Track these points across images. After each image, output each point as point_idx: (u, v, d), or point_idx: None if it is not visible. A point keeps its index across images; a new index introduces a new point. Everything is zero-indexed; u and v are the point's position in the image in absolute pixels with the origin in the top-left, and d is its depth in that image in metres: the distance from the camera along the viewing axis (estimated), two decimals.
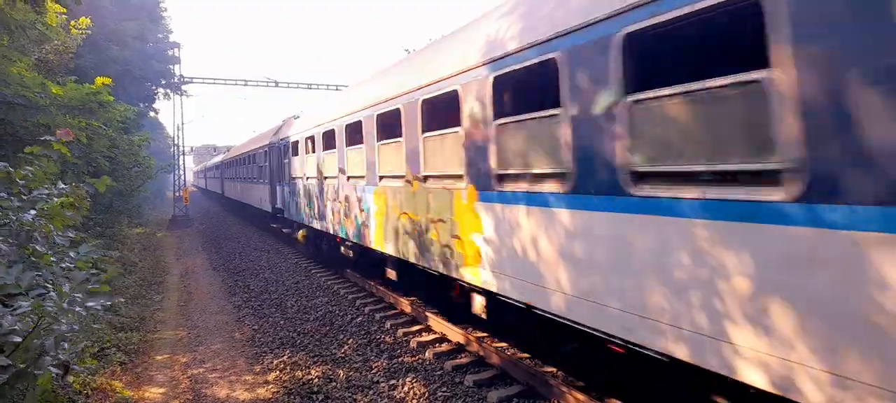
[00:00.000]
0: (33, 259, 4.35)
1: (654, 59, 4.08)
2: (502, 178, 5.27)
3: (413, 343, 7.55)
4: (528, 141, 4.92)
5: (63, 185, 4.71)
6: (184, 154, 35.53)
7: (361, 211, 9.17)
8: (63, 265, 4.78)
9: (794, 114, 2.75)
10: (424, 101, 6.73)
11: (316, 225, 12.26)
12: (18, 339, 3.58)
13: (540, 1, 4.89)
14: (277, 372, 6.88)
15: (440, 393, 5.98)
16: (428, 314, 8.29)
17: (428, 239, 6.79)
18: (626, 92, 3.74)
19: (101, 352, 7.30)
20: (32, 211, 4.33)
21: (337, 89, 32.87)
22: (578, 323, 4.38)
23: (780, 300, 2.85)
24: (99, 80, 11.09)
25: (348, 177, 9.76)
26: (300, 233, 14.23)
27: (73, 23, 12.54)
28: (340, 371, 6.72)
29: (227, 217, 30.97)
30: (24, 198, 4.79)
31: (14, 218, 4.34)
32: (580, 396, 5.26)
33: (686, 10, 3.24)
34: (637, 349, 3.83)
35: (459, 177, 5.98)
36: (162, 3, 30.06)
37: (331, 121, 10.74)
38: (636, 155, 3.70)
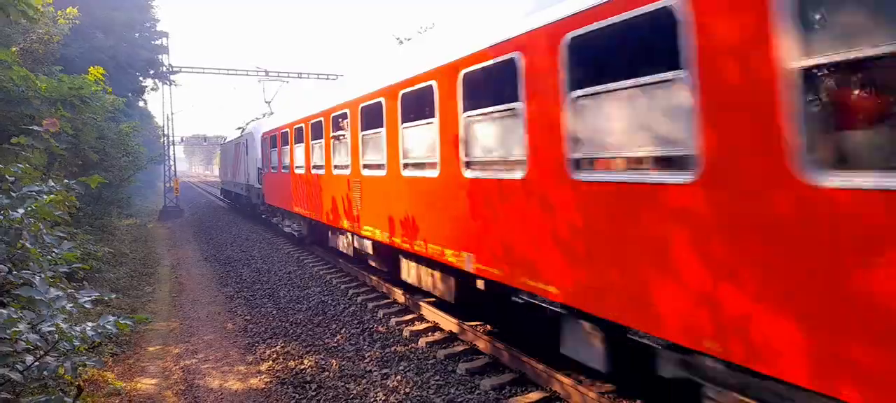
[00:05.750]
0: (21, 252, 4.31)
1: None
2: None
3: (406, 333, 7.58)
4: None
5: (53, 183, 4.67)
6: (173, 144, 35.19)
7: None
8: (49, 257, 4.74)
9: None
10: None
11: None
12: (31, 359, 3.55)
13: None
14: (270, 362, 6.89)
15: (433, 381, 6.02)
16: (420, 303, 8.33)
17: None
18: None
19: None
20: (21, 210, 4.29)
21: (328, 79, 32.53)
22: None
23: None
24: (93, 71, 10.89)
25: None
26: None
27: (60, 12, 12.33)
28: (333, 361, 6.75)
29: (218, 207, 30.80)
30: (14, 195, 4.74)
31: (1, 217, 4.29)
32: (567, 381, 5.33)
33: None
34: None
35: None
36: None
37: None
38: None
